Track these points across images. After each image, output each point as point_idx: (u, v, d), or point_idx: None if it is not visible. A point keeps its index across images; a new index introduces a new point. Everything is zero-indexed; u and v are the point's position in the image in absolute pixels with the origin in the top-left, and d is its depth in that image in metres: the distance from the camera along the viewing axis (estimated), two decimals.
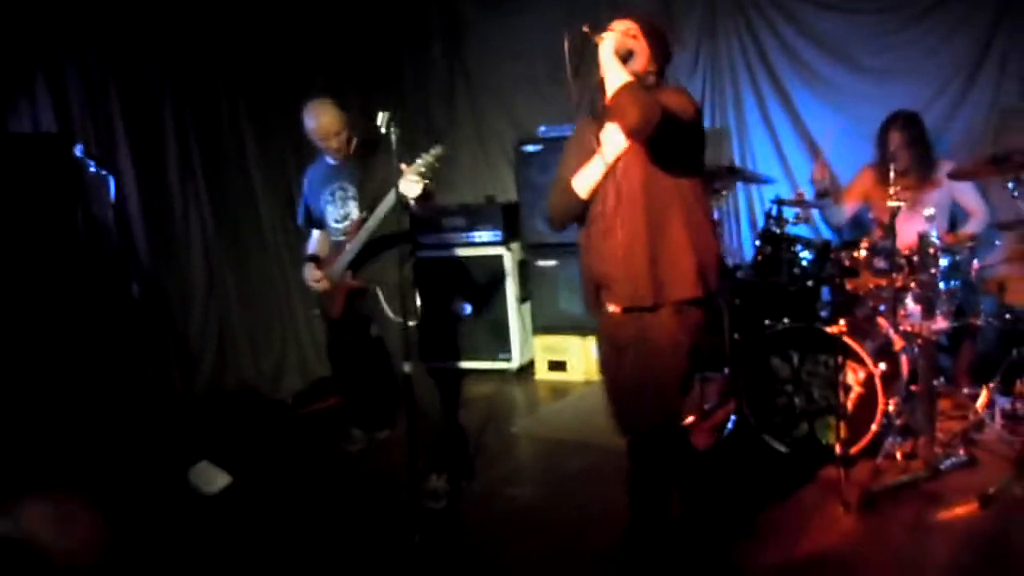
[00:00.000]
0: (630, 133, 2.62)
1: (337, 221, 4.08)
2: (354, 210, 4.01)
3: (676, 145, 2.69)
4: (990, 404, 4.01)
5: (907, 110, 4.51)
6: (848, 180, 5.04)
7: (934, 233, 3.83)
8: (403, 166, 3.50)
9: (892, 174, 3.85)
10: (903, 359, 4.04)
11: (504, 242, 5.85)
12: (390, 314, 3.92)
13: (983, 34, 4.87)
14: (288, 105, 5.57)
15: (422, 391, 3.82)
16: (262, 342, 5.79)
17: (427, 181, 3.54)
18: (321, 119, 3.99)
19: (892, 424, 3.85)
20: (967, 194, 4.49)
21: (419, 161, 3.54)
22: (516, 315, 5.88)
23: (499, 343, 5.91)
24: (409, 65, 6.59)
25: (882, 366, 3.85)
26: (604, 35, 2.66)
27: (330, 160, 4.12)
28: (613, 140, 2.76)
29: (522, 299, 5.90)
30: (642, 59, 2.76)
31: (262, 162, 5.73)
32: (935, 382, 3.88)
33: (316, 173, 4.22)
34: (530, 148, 5.65)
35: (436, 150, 3.57)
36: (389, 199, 3.69)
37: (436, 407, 4.00)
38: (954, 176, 4.19)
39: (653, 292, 2.74)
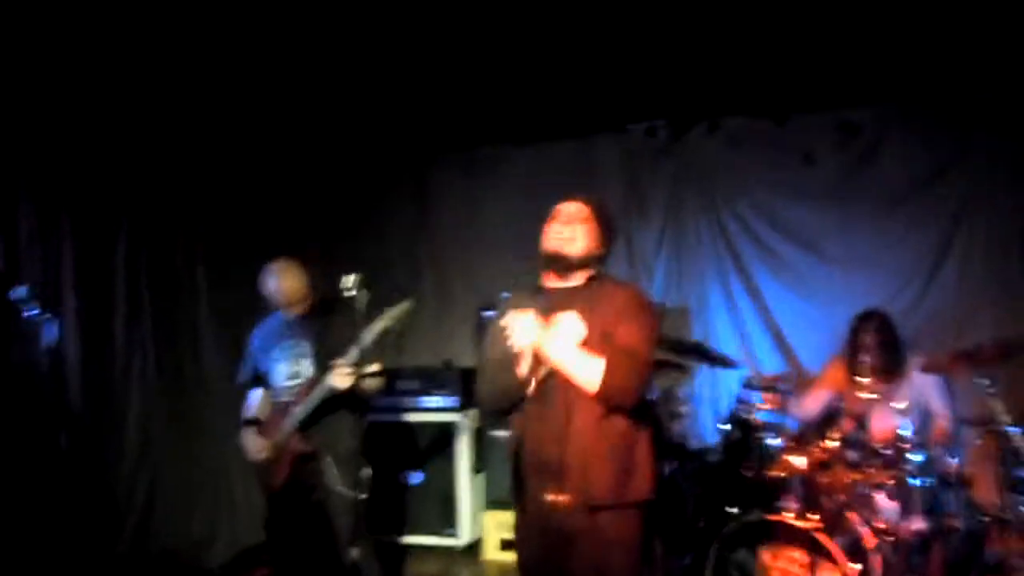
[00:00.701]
0: (623, 409, 2.61)
1: (287, 379, 3.86)
2: (307, 368, 3.80)
3: None
4: None
5: (878, 310, 4.46)
6: (814, 367, 4.99)
7: (908, 427, 3.73)
8: (339, 361, 3.50)
9: (861, 368, 3.81)
10: (877, 559, 3.83)
11: (460, 408, 5.63)
12: (339, 488, 3.64)
13: (946, 227, 4.99)
14: (248, 255, 5.48)
15: (366, 571, 3.56)
16: (194, 505, 5.38)
17: (396, 335, 3.53)
18: (284, 283, 3.85)
19: None
20: (934, 395, 4.39)
21: (383, 317, 3.43)
22: (468, 487, 5.57)
23: (447, 517, 5.57)
24: (373, 223, 6.55)
25: (856, 566, 3.63)
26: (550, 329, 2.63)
27: (286, 315, 3.94)
28: (560, 340, 2.64)
29: (476, 470, 5.62)
30: (589, 243, 2.76)
31: (215, 314, 5.52)
32: None
33: (268, 328, 4.02)
34: (491, 314, 5.50)
35: (404, 305, 3.45)
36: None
37: None
38: (926, 369, 4.14)
39: (616, 489, 2.61)
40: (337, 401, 3.67)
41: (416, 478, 5.62)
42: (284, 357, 3.88)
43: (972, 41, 4.26)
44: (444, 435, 5.62)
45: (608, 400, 2.56)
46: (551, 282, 2.81)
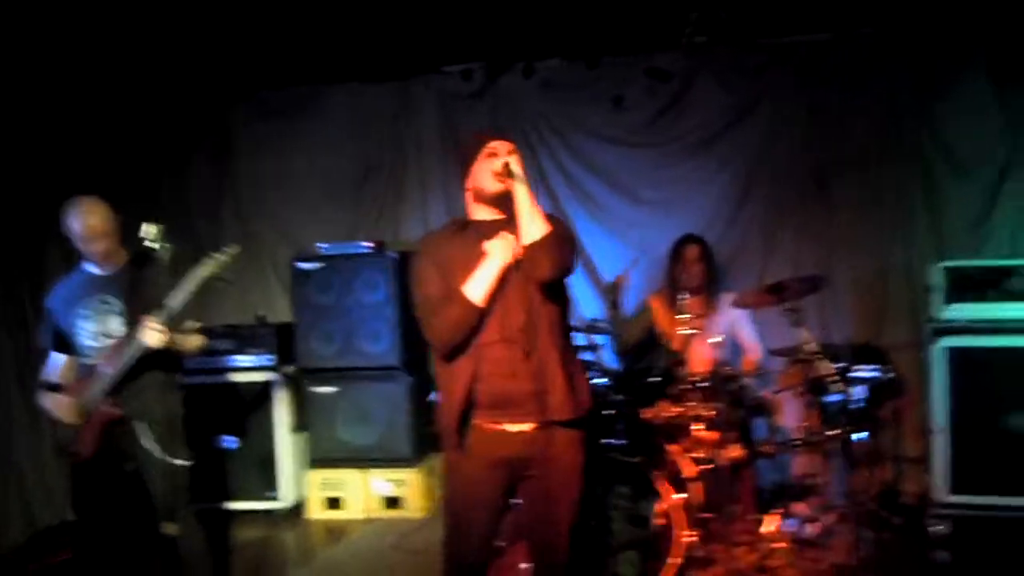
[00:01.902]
0: (538, 280, 2.67)
1: (92, 338, 3.48)
2: (117, 326, 3.45)
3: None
4: (778, 529, 4.05)
5: (696, 235, 4.68)
6: (628, 306, 5.13)
7: (723, 359, 3.90)
8: (148, 318, 3.24)
9: (686, 283, 3.94)
10: (698, 488, 4.00)
11: (276, 366, 5.37)
12: (157, 454, 3.35)
13: (749, 167, 5.23)
14: (25, 218, 4.95)
15: (188, 542, 3.40)
16: None
17: (225, 281, 3.37)
18: (89, 218, 3.42)
19: (692, 556, 3.76)
20: (745, 329, 4.63)
21: (203, 265, 3.24)
22: (288, 448, 5.34)
23: (267, 480, 5.32)
24: (172, 172, 6.05)
25: (680, 496, 3.78)
26: (511, 156, 2.70)
27: (93, 270, 3.54)
28: (501, 250, 2.71)
29: (296, 429, 5.39)
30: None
31: None
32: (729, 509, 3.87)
33: (71, 285, 3.60)
34: (307, 266, 5.28)
35: (229, 251, 3.30)
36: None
37: (202, 562, 3.45)
38: (737, 305, 4.34)
39: (572, 406, 2.71)
40: (150, 361, 3.35)
41: (232, 442, 5.32)
42: (90, 315, 3.50)
43: None
44: (260, 395, 5.34)
45: (529, 259, 2.63)
46: (481, 214, 2.82)
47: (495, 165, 2.69)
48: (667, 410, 3.99)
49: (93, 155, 5.37)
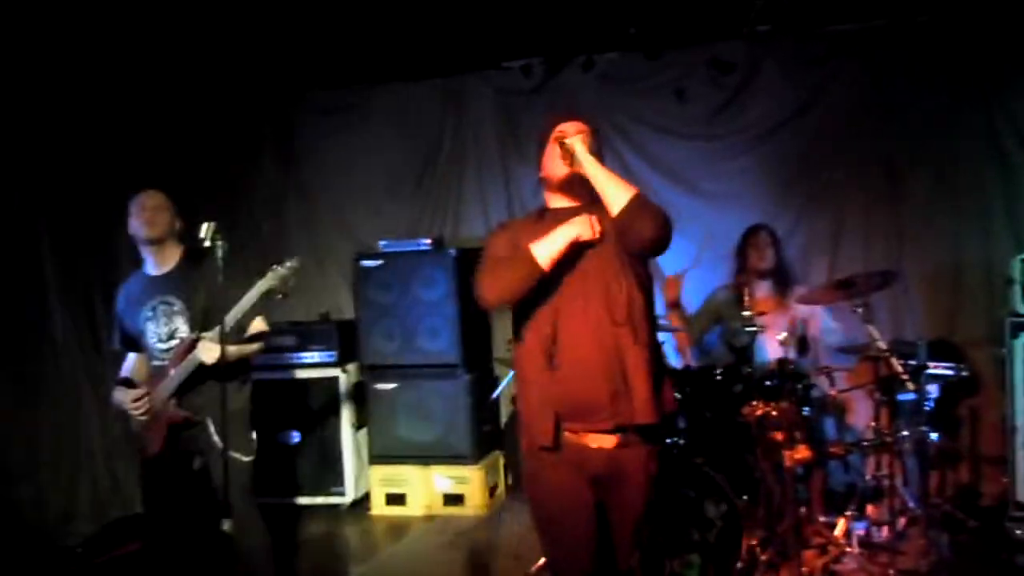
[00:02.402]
0: (643, 249, 2.49)
1: (161, 340, 3.54)
2: (182, 327, 3.50)
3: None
4: (848, 532, 3.93)
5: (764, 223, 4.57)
6: (691, 303, 5.04)
7: (790, 357, 3.80)
8: (206, 334, 3.32)
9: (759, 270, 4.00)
10: (763, 489, 3.91)
11: (339, 363, 5.42)
12: (227, 452, 3.39)
13: (814, 161, 5.08)
14: (95, 214, 5.06)
15: (250, 537, 3.42)
16: (48, 479, 4.99)
17: (281, 295, 3.29)
18: (147, 200, 3.51)
19: (757, 559, 3.67)
20: (812, 324, 4.47)
21: (266, 278, 3.25)
22: (351, 443, 5.39)
23: (332, 475, 5.38)
24: (236, 175, 6.15)
25: (744, 498, 3.70)
26: (573, 137, 2.55)
27: (151, 271, 3.61)
28: (579, 223, 2.53)
29: (358, 426, 5.44)
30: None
31: (62, 275, 5.07)
32: (797, 512, 3.77)
33: (133, 287, 3.67)
34: (369, 263, 5.31)
35: (290, 265, 3.27)
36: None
37: (264, 557, 3.49)
38: (803, 301, 4.22)
39: (655, 408, 2.52)
40: (214, 369, 3.40)
41: (295, 437, 5.39)
42: (155, 316, 3.56)
43: None
44: (323, 392, 5.40)
45: (626, 228, 2.42)
46: (557, 203, 2.68)
47: (561, 150, 2.57)
48: (732, 408, 3.90)
49: (160, 157, 5.49)
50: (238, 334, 3.42)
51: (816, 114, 5.08)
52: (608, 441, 2.53)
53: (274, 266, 3.27)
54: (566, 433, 2.55)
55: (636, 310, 2.51)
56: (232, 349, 3.31)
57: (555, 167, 2.59)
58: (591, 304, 2.51)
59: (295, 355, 5.44)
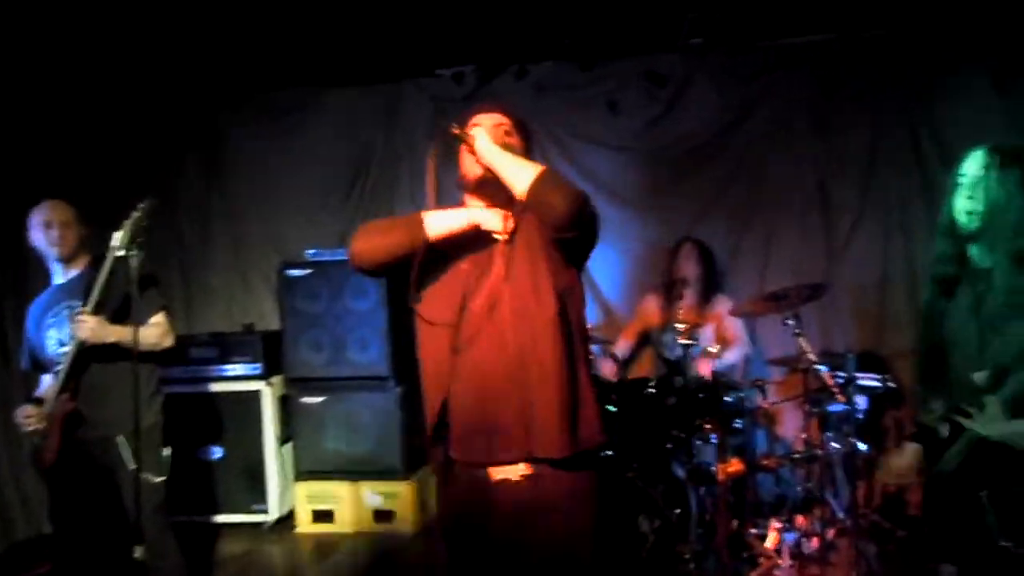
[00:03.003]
0: (558, 228, 2.18)
1: (61, 344, 3.36)
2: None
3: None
4: (779, 544, 3.93)
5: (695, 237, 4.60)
6: (624, 315, 5.03)
7: (722, 369, 3.80)
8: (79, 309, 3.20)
9: (680, 289, 4.02)
10: (694, 502, 3.89)
11: (263, 376, 5.24)
12: (130, 467, 3.23)
13: (746, 174, 5.12)
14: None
15: (165, 561, 3.30)
16: None
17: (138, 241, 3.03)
18: (56, 216, 3.39)
19: (688, 572, 3.65)
20: (741, 337, 4.52)
21: (124, 227, 3.06)
22: (275, 459, 5.22)
23: (255, 492, 5.19)
24: (156, 180, 5.91)
25: (676, 512, 3.67)
26: (473, 130, 2.32)
27: (59, 279, 3.45)
28: (488, 213, 2.33)
29: (283, 440, 5.26)
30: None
31: None
32: (730, 524, 3.76)
33: (39, 302, 3.53)
34: (296, 272, 5.15)
35: (143, 204, 3.07)
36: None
37: None
38: (735, 313, 4.23)
39: (570, 439, 2.19)
40: (119, 370, 3.23)
41: (216, 453, 5.20)
42: (56, 323, 3.39)
43: None
44: (247, 405, 5.22)
45: (536, 204, 2.18)
46: (474, 205, 2.41)
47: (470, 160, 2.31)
48: (663, 421, 3.88)
49: (80, 161, 5.27)
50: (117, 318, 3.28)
51: (747, 128, 5.12)
52: (516, 472, 2.24)
53: (123, 223, 3.08)
54: (459, 460, 2.30)
55: (555, 327, 2.23)
56: (111, 328, 3.21)
57: (469, 166, 2.34)
58: (500, 320, 2.26)
59: (217, 367, 5.24)
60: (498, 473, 2.24)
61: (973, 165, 2.49)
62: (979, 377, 2.46)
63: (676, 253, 4.53)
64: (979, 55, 4.70)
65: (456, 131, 2.29)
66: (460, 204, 2.44)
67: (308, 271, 5.13)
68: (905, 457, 4.41)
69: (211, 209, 5.94)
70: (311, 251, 5.21)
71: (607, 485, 3.62)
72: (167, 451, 3.48)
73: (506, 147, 2.30)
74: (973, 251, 2.52)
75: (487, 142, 2.26)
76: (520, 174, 2.19)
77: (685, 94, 5.21)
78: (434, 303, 2.34)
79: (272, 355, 5.24)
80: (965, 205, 2.49)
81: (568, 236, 2.20)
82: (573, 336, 2.28)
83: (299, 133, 5.73)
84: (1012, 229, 2.43)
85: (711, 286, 4.52)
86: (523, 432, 2.20)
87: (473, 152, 2.28)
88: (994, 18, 4.56)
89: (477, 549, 2.33)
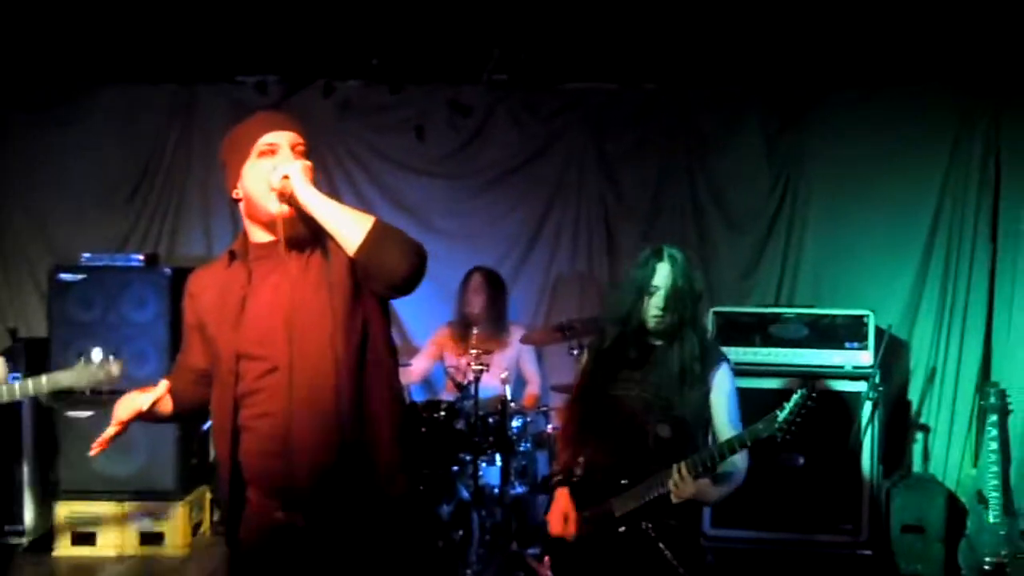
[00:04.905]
0: (394, 289, 1.98)
1: None
2: None
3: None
4: None
5: (485, 266, 4.73)
6: (420, 338, 5.09)
7: (510, 395, 3.93)
8: None
9: (471, 316, 3.98)
10: (478, 523, 3.99)
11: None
12: None
13: (541, 208, 5.35)
14: None
15: None
16: None
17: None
18: None
19: None
20: (528, 361, 4.73)
21: (77, 368, 2.92)
22: (33, 476, 4.81)
23: (8, 512, 4.75)
24: None
25: (459, 532, 3.75)
26: (289, 168, 1.99)
27: None
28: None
29: (45, 456, 4.86)
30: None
31: None
32: (510, 547, 3.88)
33: None
34: (69, 277, 4.80)
35: (113, 369, 2.94)
36: None
37: None
38: (525, 341, 4.40)
39: (359, 493, 2.00)
40: None
41: None
42: None
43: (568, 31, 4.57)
44: (4, 417, 4.77)
45: (371, 265, 1.93)
46: (261, 236, 2.10)
47: (273, 178, 1.98)
48: (452, 444, 3.95)
49: None
50: None
51: (543, 164, 5.35)
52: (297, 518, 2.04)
53: (83, 359, 2.88)
54: (252, 501, 2.11)
55: (330, 349, 1.99)
56: None
57: (266, 201, 2.01)
58: (270, 339, 2.02)
59: None
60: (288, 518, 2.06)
61: None
62: None
63: (466, 285, 4.66)
64: (748, 108, 5.17)
65: (275, 188, 1.99)
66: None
67: (82, 276, 4.79)
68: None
69: None
70: (87, 255, 4.88)
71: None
72: None
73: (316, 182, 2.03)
74: None
75: (308, 190, 1.98)
76: (351, 228, 1.94)
77: (486, 126, 5.38)
78: None
79: (36, 364, 4.82)
80: None
81: (398, 295, 2.04)
82: (373, 370, 2.09)
83: (79, 129, 5.36)
84: None
85: (501, 314, 4.67)
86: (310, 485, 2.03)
87: (290, 200, 1.99)
88: (761, 73, 5.03)
89: None
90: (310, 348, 1.99)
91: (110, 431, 2.12)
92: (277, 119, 2.13)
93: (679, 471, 2.53)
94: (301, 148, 2.10)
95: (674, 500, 2.55)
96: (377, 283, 1.98)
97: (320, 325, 1.99)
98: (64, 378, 2.96)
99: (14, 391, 2.96)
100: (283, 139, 2.07)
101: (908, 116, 4.89)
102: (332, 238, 1.99)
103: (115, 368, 2.93)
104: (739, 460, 2.65)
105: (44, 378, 2.97)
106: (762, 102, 5.15)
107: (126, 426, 2.15)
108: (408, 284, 1.97)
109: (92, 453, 2.20)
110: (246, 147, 2.06)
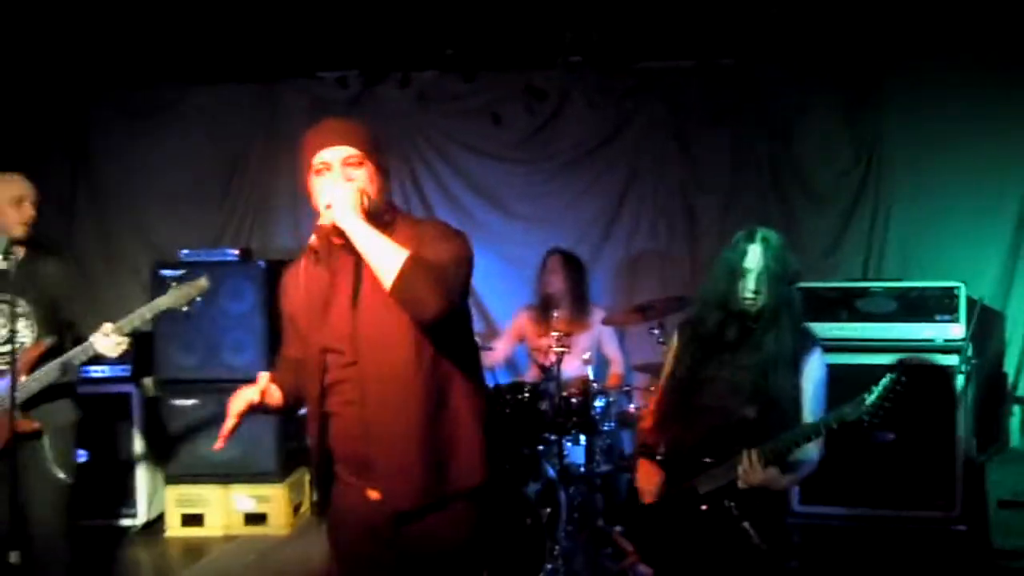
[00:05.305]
0: (423, 323, 2.05)
1: None
2: (25, 332, 3.19)
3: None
4: None
5: (562, 247, 4.76)
6: (502, 320, 5.18)
7: (593, 376, 3.99)
8: (108, 325, 3.09)
9: (551, 313, 4.07)
10: (564, 502, 4.06)
11: (133, 377, 5.11)
12: (56, 471, 3.18)
13: (617, 189, 5.35)
14: None
15: (55, 561, 3.22)
16: None
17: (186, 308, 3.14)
18: (27, 187, 3.35)
19: (558, 570, 3.81)
20: (610, 342, 4.76)
21: (170, 294, 3.13)
22: (144, 462, 5.10)
23: (123, 496, 5.06)
24: (20, 170, 5.64)
25: (546, 510, 3.83)
26: (333, 195, 2.06)
27: None
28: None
29: (153, 443, 5.15)
30: (373, 188, 2.14)
31: None
32: (596, 523, 3.95)
33: None
34: (170, 273, 5.03)
35: (198, 283, 3.14)
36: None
37: None
38: (607, 323, 4.45)
39: (436, 483, 2.13)
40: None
41: (82, 456, 5.02)
42: None
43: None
44: (116, 407, 5.07)
45: (400, 301, 2.02)
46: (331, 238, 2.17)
47: (320, 204, 2.08)
48: (537, 424, 4.03)
49: None
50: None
51: (619, 145, 5.37)
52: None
53: (175, 283, 3.12)
54: (342, 475, 2.29)
55: (404, 353, 2.10)
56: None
57: (322, 210, 2.10)
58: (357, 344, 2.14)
59: (85, 368, 5.06)
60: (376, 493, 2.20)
61: None
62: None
63: (544, 267, 4.71)
64: (829, 84, 5.09)
65: (328, 187, 2.08)
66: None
67: (182, 271, 5.02)
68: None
69: (76, 205, 5.74)
70: (185, 251, 5.13)
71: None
72: (81, 453, 3.38)
73: (363, 196, 2.08)
74: None
75: (348, 220, 2.04)
76: (385, 263, 2.01)
77: (562, 110, 5.42)
78: None
79: (143, 356, 5.11)
80: None
81: (433, 328, 2.08)
82: (469, 364, 2.25)
83: (175, 129, 5.62)
84: None
85: (582, 296, 4.71)
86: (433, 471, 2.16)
87: (336, 234, 2.09)
88: (843, 49, 4.94)
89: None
90: (381, 344, 2.11)
91: (229, 424, 2.28)
92: (328, 135, 2.15)
93: (748, 457, 2.55)
94: (354, 160, 2.12)
95: (740, 486, 2.58)
96: (410, 314, 2.04)
97: (391, 322, 2.08)
98: (163, 302, 3.16)
99: (134, 322, 3.14)
100: (335, 157, 2.11)
101: (994, 80, 4.73)
102: None
103: (203, 280, 3.16)
104: (812, 450, 2.65)
105: (146, 308, 3.18)
106: (840, 73, 5.05)
107: (242, 419, 2.29)
108: (437, 321, 2.04)
109: (217, 447, 2.37)
110: (307, 162, 2.15)
